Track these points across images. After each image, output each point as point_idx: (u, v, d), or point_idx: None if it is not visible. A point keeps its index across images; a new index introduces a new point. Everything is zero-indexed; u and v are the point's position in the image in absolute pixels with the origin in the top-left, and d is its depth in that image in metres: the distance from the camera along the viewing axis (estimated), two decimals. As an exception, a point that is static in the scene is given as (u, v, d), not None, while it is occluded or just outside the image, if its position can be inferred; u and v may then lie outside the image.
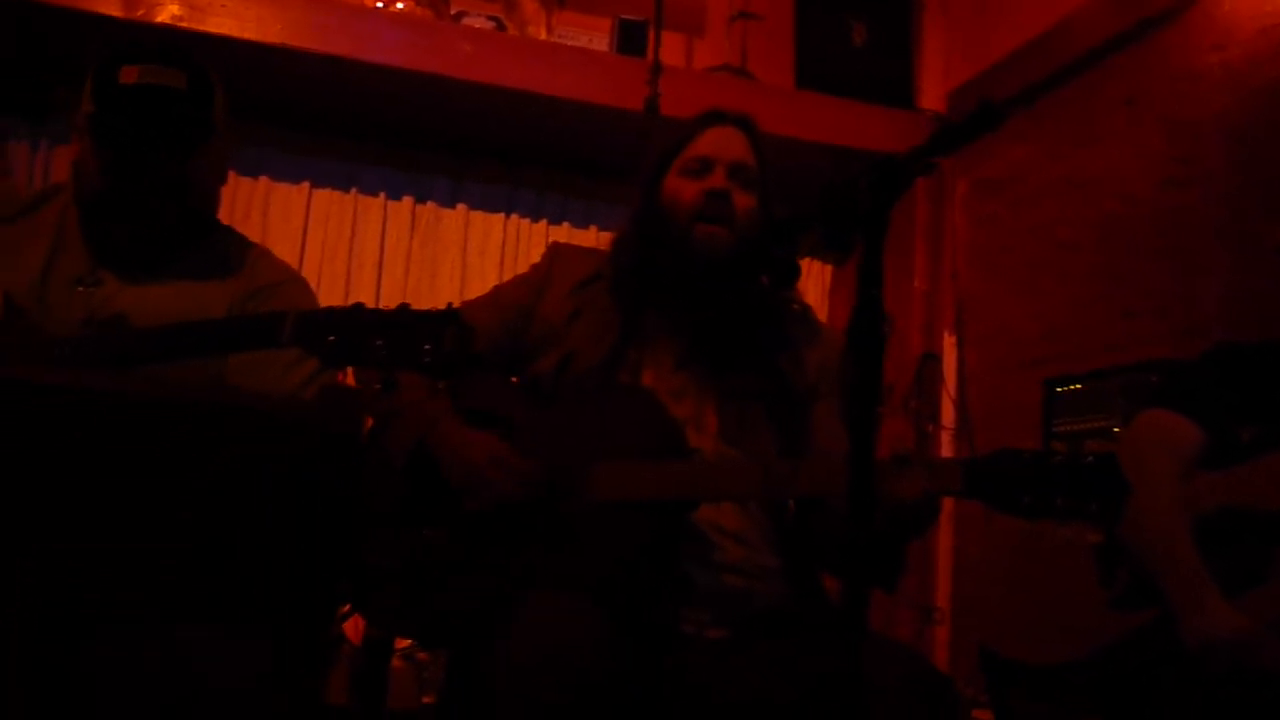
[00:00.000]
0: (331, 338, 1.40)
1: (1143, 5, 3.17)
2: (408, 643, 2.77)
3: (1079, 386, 3.02)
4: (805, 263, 4.36)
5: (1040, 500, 1.33)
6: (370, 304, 1.46)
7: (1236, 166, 2.87)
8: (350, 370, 1.70)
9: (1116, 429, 2.76)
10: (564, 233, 4.14)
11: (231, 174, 3.75)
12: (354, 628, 2.83)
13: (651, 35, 3.72)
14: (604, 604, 1.46)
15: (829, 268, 4.40)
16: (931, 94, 4.14)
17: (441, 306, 1.61)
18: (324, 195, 3.92)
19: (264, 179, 3.85)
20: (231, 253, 1.85)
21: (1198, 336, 2.82)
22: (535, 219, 4.15)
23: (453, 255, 4.02)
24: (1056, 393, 3.07)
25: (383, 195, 3.99)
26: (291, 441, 1.32)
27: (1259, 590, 1.68)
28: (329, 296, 3.73)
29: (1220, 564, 1.70)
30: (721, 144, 1.79)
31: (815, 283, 4.40)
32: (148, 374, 1.52)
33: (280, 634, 1.38)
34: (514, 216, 4.12)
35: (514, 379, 1.84)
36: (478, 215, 4.08)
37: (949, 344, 3.90)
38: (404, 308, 1.42)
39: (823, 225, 1.10)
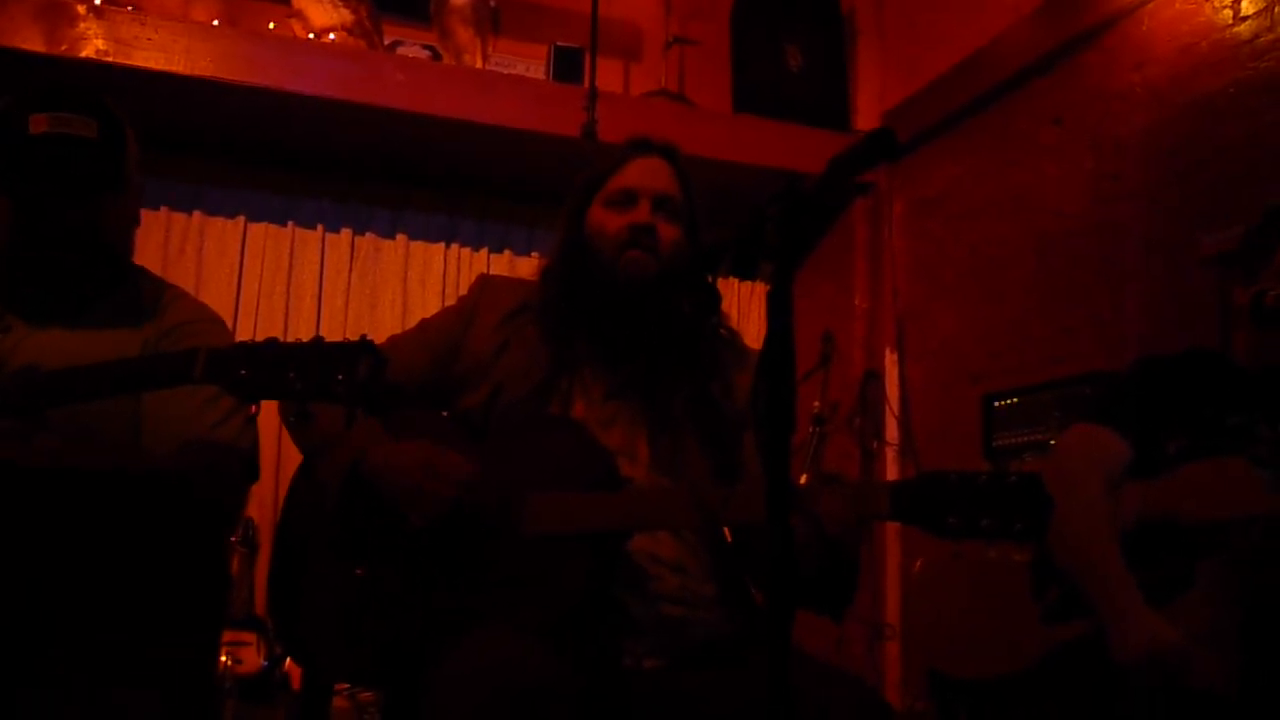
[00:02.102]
0: (244, 372, 1.38)
1: (1066, 26, 3.24)
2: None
3: (1016, 401, 3.05)
4: (750, 283, 4.38)
5: (966, 522, 1.33)
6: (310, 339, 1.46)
7: (1161, 181, 2.93)
8: (267, 404, 1.68)
9: (1053, 441, 2.80)
10: (505, 261, 4.13)
11: (164, 209, 3.73)
12: (293, 670, 2.79)
13: (588, 62, 3.73)
14: (543, 638, 1.45)
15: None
16: (867, 115, 4.18)
17: (376, 339, 1.60)
18: (260, 229, 3.89)
19: (198, 214, 3.81)
20: (145, 296, 1.82)
21: (1127, 348, 2.87)
22: (476, 248, 4.14)
23: (393, 286, 4.00)
24: (995, 407, 3.11)
25: (320, 227, 3.96)
26: (154, 501, 1.32)
27: (1183, 599, 1.70)
28: (267, 332, 3.69)
29: (1146, 576, 1.72)
30: (646, 175, 1.79)
31: (759, 302, 4.42)
32: (59, 417, 1.50)
33: (164, 684, 1.36)
34: (454, 246, 4.11)
35: (444, 413, 1.83)
36: (418, 245, 4.07)
37: (891, 361, 3.93)
38: (317, 340, 1.42)
39: (734, 255, 1.11)
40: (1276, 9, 2.65)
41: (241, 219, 3.87)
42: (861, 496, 1.44)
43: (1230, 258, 2.59)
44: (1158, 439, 1.84)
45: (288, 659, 2.84)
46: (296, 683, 2.88)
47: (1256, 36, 2.70)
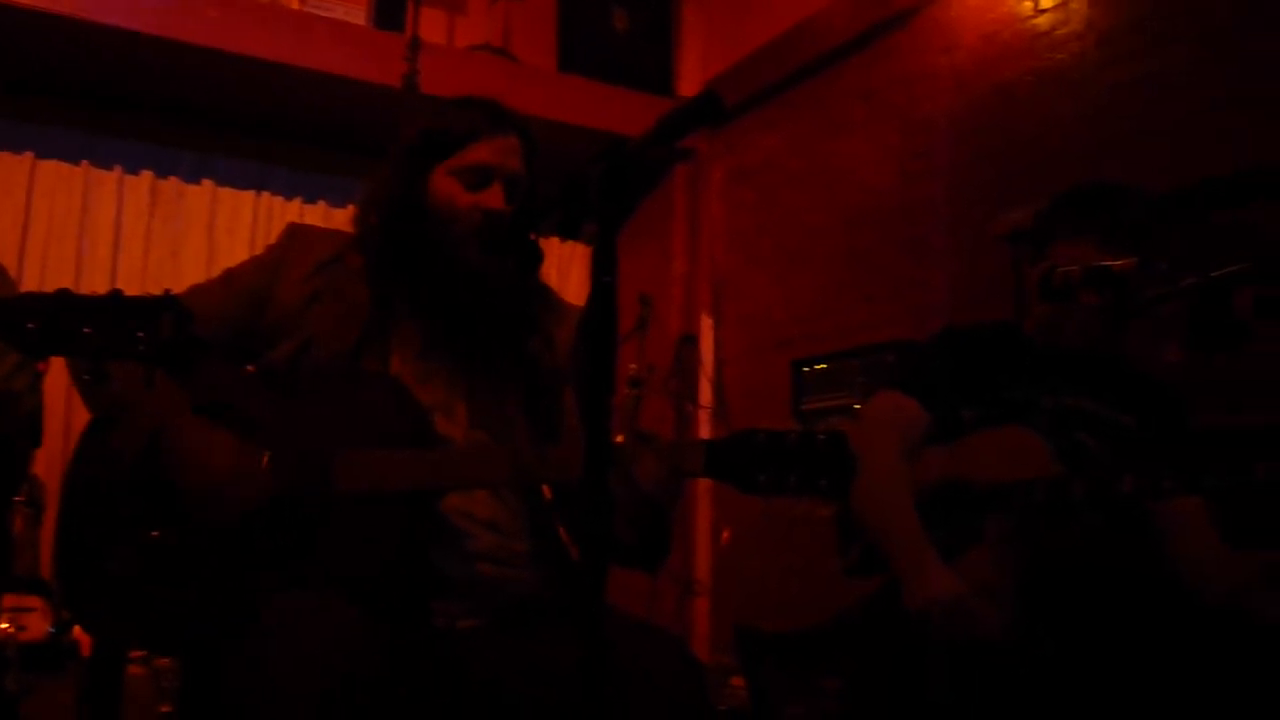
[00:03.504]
0: (31, 325, 1.29)
1: (878, 7, 3.36)
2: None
3: (824, 366, 3.18)
4: (570, 244, 4.39)
5: (775, 479, 1.37)
6: (106, 287, 1.37)
7: (966, 162, 3.09)
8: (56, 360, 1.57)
9: (857, 405, 2.93)
10: (319, 212, 4.00)
11: (-60, 141, 3.43)
12: (83, 637, 2.65)
13: (410, 10, 3.64)
14: (353, 601, 1.41)
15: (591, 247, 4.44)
16: (690, 82, 4.24)
17: (177, 290, 1.51)
18: (50, 167, 3.63)
19: (-21, 148, 3.52)
20: None
21: (930, 318, 3.02)
22: (289, 197, 3.99)
23: (198, 234, 3.81)
24: (803, 372, 3.23)
25: (118, 169, 3.73)
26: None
27: (970, 555, 1.83)
28: (57, 280, 3.46)
29: (940, 532, 1.83)
30: (502, 154, 1.74)
31: (580, 262, 4.43)
32: None
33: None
34: (265, 194, 3.95)
35: (250, 367, 1.75)
36: (226, 192, 3.89)
37: (706, 325, 4.02)
38: (115, 293, 1.34)
39: (561, 214, 1.10)
40: (1072, 4, 2.82)
41: (29, 155, 3.60)
42: (677, 454, 1.47)
43: (1022, 236, 2.77)
44: (955, 406, 1.95)
45: (76, 625, 2.69)
46: (86, 650, 2.74)
47: (1054, 29, 2.87)
